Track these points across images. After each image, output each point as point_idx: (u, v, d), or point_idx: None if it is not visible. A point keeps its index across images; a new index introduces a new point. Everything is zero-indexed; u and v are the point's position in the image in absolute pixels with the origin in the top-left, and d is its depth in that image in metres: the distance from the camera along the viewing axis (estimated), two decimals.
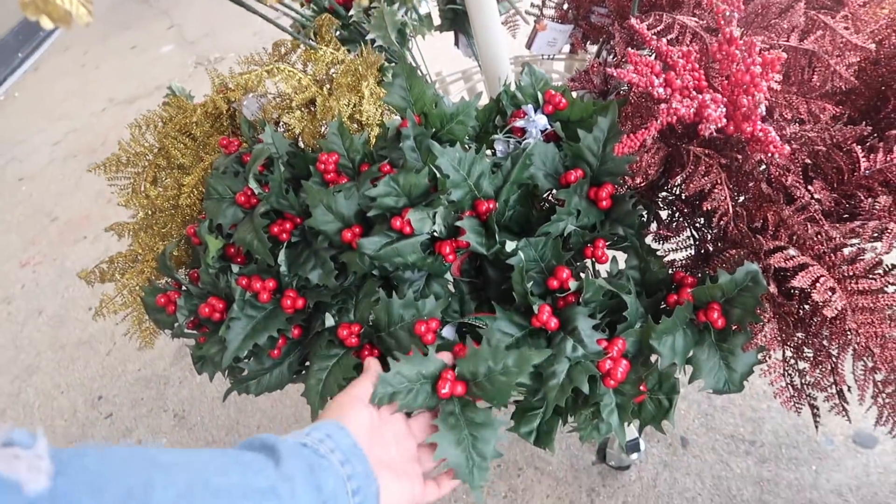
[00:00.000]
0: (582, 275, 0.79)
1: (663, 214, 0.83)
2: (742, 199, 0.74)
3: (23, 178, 2.89)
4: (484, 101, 1.12)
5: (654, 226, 0.83)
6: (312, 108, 0.98)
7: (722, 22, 0.70)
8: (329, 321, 0.78)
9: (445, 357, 0.69)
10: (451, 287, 0.80)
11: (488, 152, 0.88)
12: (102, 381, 1.74)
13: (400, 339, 0.74)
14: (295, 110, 0.88)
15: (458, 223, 0.72)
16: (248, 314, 0.79)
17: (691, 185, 0.71)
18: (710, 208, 0.69)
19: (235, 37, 3.45)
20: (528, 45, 1.17)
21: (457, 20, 1.25)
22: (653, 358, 0.68)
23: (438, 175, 0.74)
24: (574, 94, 0.89)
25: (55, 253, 2.28)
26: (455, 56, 1.30)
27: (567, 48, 1.25)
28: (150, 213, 1.05)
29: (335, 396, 0.64)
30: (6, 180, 2.92)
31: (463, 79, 1.43)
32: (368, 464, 0.56)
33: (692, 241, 0.80)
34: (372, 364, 0.69)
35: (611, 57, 1.09)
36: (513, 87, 0.89)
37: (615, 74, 0.70)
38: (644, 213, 0.81)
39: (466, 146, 0.87)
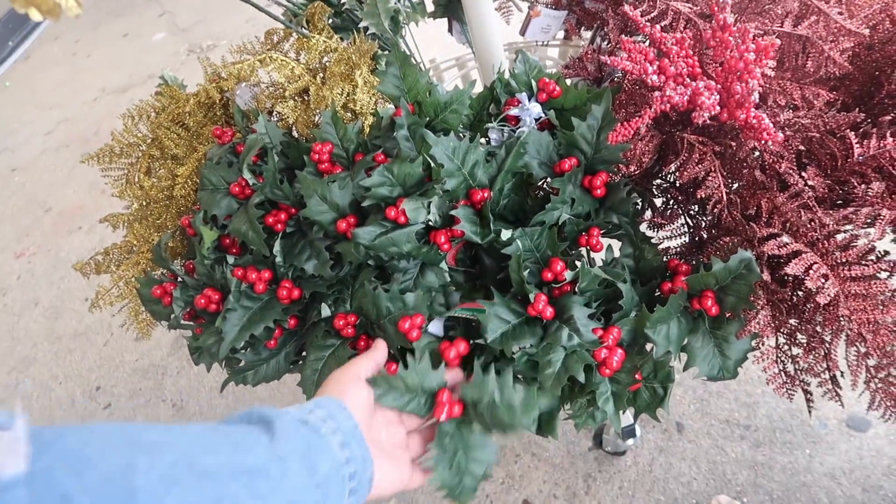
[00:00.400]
0: (577, 263, 0.79)
1: (658, 202, 0.83)
2: (736, 186, 0.74)
3: (15, 168, 2.87)
4: (478, 88, 1.11)
5: (648, 213, 0.83)
6: (306, 98, 0.98)
7: (715, 8, 0.69)
8: (325, 311, 0.78)
9: (451, 376, 0.67)
10: (446, 276, 0.81)
11: (482, 141, 0.88)
12: (100, 372, 1.74)
13: (388, 332, 0.74)
14: (288, 100, 0.88)
15: (453, 212, 0.72)
16: (244, 305, 0.80)
17: (685, 173, 0.71)
18: (703, 196, 0.70)
19: (228, 24, 3.42)
20: (522, 32, 1.16)
21: (450, 7, 1.24)
22: (648, 346, 0.68)
23: (433, 164, 0.74)
24: (568, 82, 0.89)
25: (50, 244, 2.28)
26: (449, 43, 1.29)
27: (561, 34, 1.25)
28: (144, 203, 1.05)
29: (334, 372, 0.63)
30: None
31: (457, 66, 1.42)
32: (367, 448, 0.55)
33: (686, 229, 0.80)
34: (380, 346, 0.68)
35: (605, 43, 1.09)
36: (507, 75, 0.89)
37: (609, 62, 0.70)
38: (638, 200, 0.81)
39: (460, 135, 0.86)
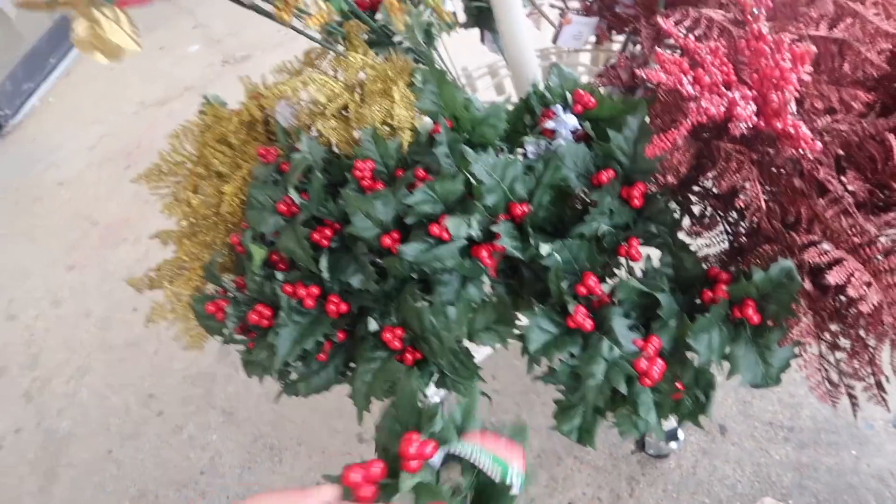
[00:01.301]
0: (616, 271, 0.80)
1: (695, 209, 0.84)
2: (774, 192, 0.74)
3: (62, 182, 2.98)
4: (509, 92, 1.13)
5: (686, 220, 0.84)
6: (345, 113, 1.00)
7: (750, 18, 0.70)
8: (372, 325, 0.81)
9: None
10: (487, 288, 0.82)
11: (519, 151, 0.90)
12: (152, 380, 1.81)
13: (432, 346, 0.76)
14: (329, 119, 0.91)
15: (494, 228, 0.74)
16: (295, 320, 0.83)
17: (723, 183, 0.71)
18: (742, 206, 0.70)
19: (260, 33, 3.48)
20: (555, 40, 1.17)
21: (482, 17, 1.26)
22: (689, 354, 0.69)
23: (473, 181, 0.76)
24: (602, 90, 0.90)
25: (98, 256, 2.36)
26: (481, 48, 1.31)
27: (592, 38, 1.25)
28: (193, 221, 1.09)
29: None
30: (46, 186, 3.01)
31: (489, 73, 1.44)
32: None
33: (726, 236, 0.80)
34: (318, 492, 0.51)
35: (637, 48, 1.09)
36: (541, 87, 0.90)
37: (644, 76, 0.71)
38: (676, 209, 0.82)
39: (499, 148, 0.88)
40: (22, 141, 3.44)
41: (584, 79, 1.31)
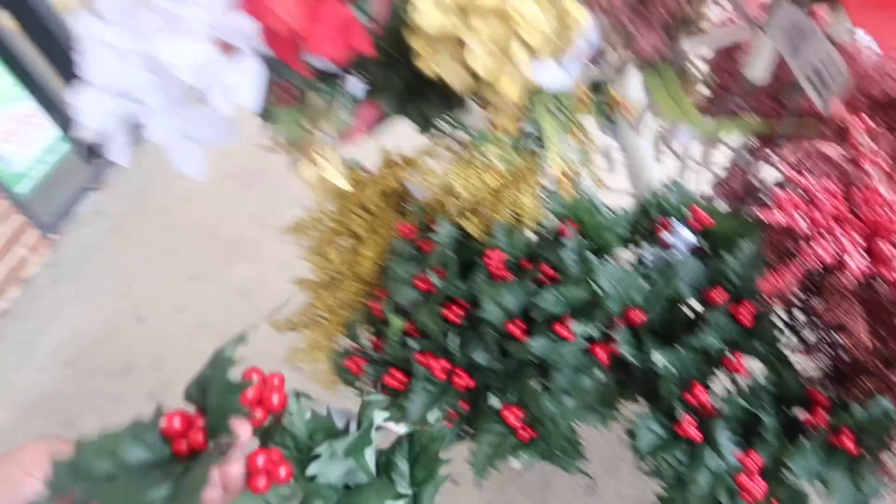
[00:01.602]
0: (717, 373, 0.88)
1: (798, 328, 0.91)
2: (877, 329, 0.80)
3: (186, 195, 3.26)
4: (622, 179, 1.22)
5: (789, 336, 0.91)
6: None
7: (865, 175, 0.77)
8: (494, 401, 0.92)
9: None
10: (600, 379, 0.92)
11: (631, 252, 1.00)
12: None
13: (547, 428, 0.87)
14: (469, 216, 1.02)
15: (614, 334, 0.84)
16: (426, 388, 0.95)
17: (828, 318, 0.79)
18: (847, 343, 0.77)
19: None
20: (670, 139, 1.26)
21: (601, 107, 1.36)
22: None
23: (598, 291, 0.86)
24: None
25: (218, 270, 2.60)
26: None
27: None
28: (330, 276, 1.24)
29: None
30: (172, 197, 3.30)
31: (602, 154, 1.53)
32: None
33: (828, 359, 0.87)
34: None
35: (747, 153, 1.16)
36: (658, 194, 1.00)
37: (765, 219, 0.79)
38: (783, 328, 0.89)
39: (621, 248, 0.98)
40: (152, 151, 3.79)
41: (694, 177, 1.38)
